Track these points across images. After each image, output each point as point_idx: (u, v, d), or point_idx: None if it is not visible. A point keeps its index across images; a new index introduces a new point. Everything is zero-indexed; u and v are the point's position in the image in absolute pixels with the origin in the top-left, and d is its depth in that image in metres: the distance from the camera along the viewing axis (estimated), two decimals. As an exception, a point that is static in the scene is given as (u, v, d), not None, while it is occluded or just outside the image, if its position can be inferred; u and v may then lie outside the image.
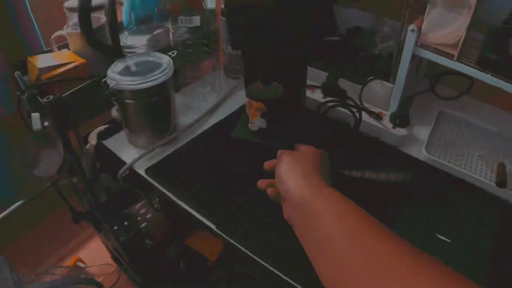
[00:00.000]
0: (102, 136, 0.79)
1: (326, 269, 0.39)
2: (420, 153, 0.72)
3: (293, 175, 0.50)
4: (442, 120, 0.81)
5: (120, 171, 0.70)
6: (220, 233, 0.59)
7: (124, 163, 0.71)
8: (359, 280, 0.34)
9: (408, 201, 0.62)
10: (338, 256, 0.37)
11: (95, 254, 1.39)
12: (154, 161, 0.71)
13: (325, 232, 0.41)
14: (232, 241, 0.58)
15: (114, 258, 1.32)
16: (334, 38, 0.85)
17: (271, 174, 0.57)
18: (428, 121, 0.79)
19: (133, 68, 0.69)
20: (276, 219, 0.57)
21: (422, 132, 0.78)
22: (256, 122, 0.65)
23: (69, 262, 1.33)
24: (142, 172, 0.70)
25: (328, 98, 0.75)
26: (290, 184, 0.50)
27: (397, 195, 0.62)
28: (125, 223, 1.15)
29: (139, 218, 1.22)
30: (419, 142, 0.75)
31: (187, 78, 0.84)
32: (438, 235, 0.57)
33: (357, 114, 0.69)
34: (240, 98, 0.87)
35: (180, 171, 0.68)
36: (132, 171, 0.72)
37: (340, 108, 0.71)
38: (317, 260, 0.42)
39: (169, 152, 0.73)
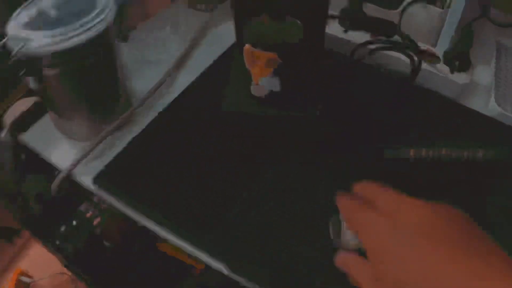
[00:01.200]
0: (18, 126, 0.54)
1: None
2: (485, 107, 0.55)
3: (456, 268, 0.26)
4: (504, 56, 0.63)
5: (52, 185, 0.47)
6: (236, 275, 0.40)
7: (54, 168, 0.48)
8: None
9: (500, 186, 0.47)
10: None
11: (42, 261, 1.17)
12: (104, 161, 0.48)
13: None
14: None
15: (67, 265, 1.11)
16: None
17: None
18: (486, 60, 0.62)
19: (51, 14, 0.46)
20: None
21: (483, 76, 0.60)
22: (265, 83, 0.43)
23: (10, 278, 1.11)
24: (87, 180, 0.47)
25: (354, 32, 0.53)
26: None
27: (484, 178, 0.48)
28: (74, 222, 0.95)
29: (89, 213, 1.01)
30: (481, 90, 0.58)
31: (132, 17, 0.60)
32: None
33: (415, 60, 0.48)
34: (217, 41, 0.62)
35: (146, 174, 0.47)
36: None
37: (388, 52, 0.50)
38: None
39: (125, 144, 0.50)
